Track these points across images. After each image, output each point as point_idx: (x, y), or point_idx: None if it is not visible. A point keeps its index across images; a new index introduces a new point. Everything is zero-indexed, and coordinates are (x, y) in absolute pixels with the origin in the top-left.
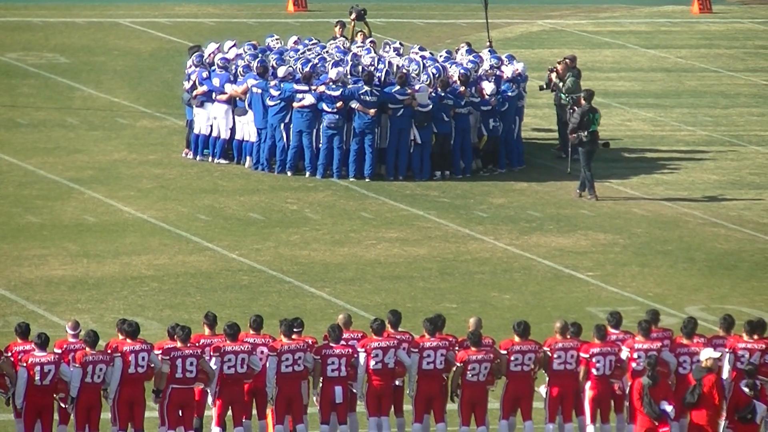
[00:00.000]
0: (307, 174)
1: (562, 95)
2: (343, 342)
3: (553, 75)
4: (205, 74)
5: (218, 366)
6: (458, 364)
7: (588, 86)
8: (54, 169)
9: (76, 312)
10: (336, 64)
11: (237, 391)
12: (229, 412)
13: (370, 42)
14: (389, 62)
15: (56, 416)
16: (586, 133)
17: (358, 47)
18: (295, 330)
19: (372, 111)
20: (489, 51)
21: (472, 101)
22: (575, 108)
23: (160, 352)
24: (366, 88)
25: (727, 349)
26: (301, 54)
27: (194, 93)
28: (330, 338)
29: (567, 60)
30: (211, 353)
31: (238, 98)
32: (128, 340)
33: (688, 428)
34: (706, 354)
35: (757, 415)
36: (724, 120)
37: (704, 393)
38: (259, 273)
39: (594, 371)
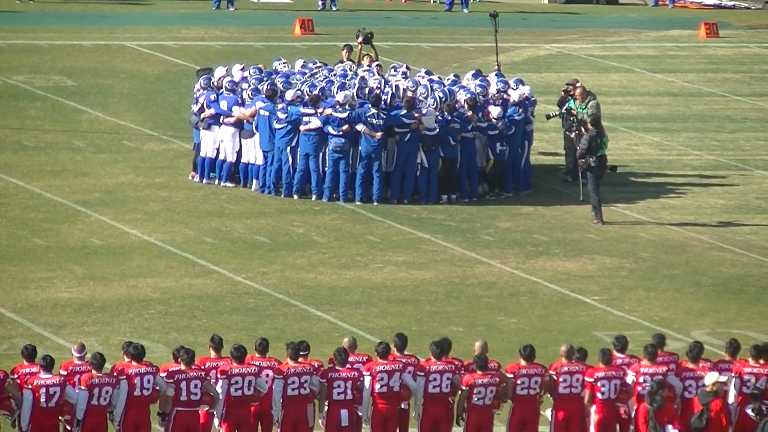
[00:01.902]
0: (314, 197)
1: (583, 111)
2: (348, 365)
3: (575, 105)
4: (213, 97)
5: (225, 388)
6: (464, 388)
7: None
8: (60, 192)
9: (82, 335)
10: (342, 87)
11: (244, 413)
12: None
13: (377, 65)
14: (395, 86)
15: None
16: (594, 158)
17: (364, 71)
18: (301, 353)
19: (378, 134)
20: (496, 75)
21: (479, 125)
22: (582, 130)
23: (165, 374)
24: (373, 110)
25: (733, 374)
26: (309, 77)
27: (202, 116)
28: (336, 361)
29: (570, 85)
30: (219, 375)
31: (246, 121)
32: (134, 363)
33: None
34: (711, 378)
35: None
36: (731, 144)
37: (711, 417)
38: (265, 296)
39: (599, 395)
